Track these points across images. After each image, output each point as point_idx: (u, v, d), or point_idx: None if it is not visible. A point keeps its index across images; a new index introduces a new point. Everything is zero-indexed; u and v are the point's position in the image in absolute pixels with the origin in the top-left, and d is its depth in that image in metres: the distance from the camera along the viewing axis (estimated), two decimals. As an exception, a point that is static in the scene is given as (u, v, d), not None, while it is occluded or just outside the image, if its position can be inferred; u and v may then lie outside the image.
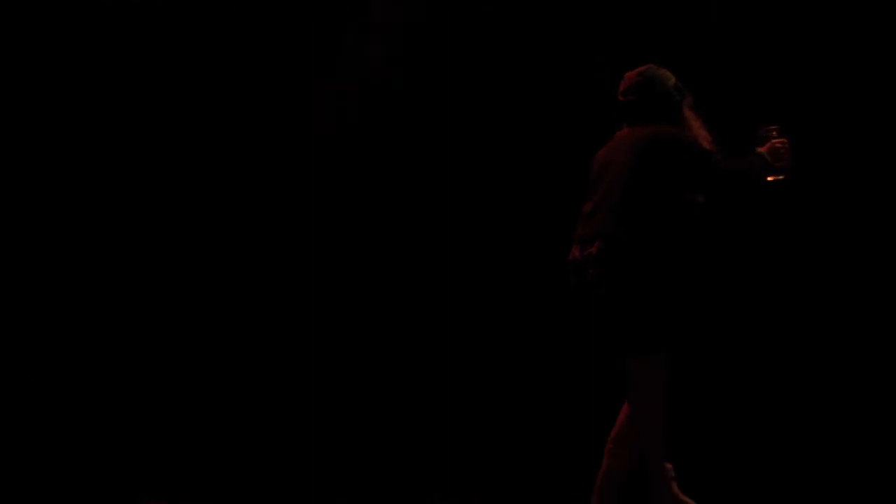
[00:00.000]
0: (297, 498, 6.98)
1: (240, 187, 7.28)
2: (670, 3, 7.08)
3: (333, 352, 7.20)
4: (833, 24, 6.92)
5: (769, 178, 5.06)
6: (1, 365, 7.06)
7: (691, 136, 5.04)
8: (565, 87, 7.15)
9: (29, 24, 7.17)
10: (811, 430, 6.83)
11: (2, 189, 7.13)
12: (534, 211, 7.14)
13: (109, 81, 7.21)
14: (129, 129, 7.24)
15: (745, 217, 5.03)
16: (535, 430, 7.08)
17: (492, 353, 7.17)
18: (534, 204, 7.15)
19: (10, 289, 7.11)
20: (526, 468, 7.03)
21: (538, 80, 7.21)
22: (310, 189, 7.32)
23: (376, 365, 7.20)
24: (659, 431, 4.96)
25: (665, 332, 4.94)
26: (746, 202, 5.03)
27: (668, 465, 5.05)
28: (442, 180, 7.28)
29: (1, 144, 7.14)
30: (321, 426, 7.15)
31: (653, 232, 4.92)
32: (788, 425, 6.87)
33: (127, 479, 7.01)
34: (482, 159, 7.27)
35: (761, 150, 5.06)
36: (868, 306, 6.85)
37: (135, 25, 7.22)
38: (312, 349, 7.20)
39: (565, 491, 6.67)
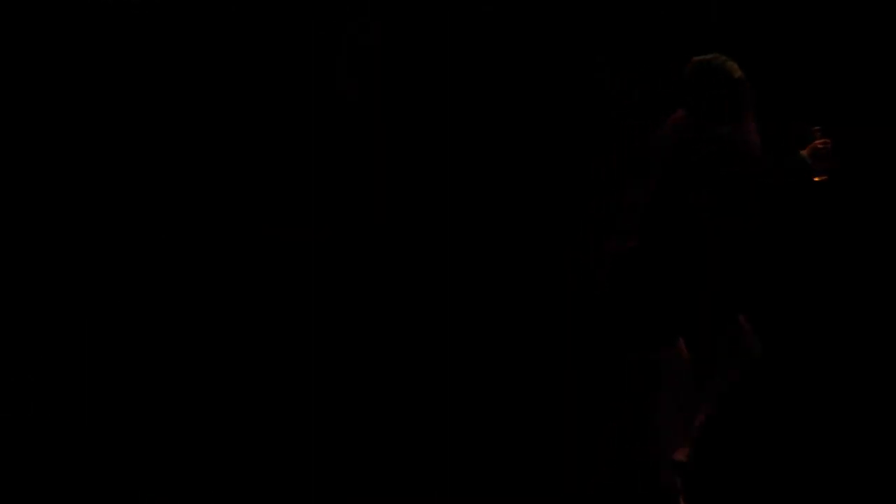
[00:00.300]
0: (297, 498, 6.98)
1: (239, 187, 7.27)
2: (670, 3, 7.08)
3: (333, 352, 7.20)
4: (833, 23, 6.92)
5: (815, 179, 5.06)
6: (1, 365, 7.06)
7: (744, 136, 5.00)
8: (565, 87, 7.15)
9: (29, 24, 7.16)
10: (818, 433, 6.83)
11: (2, 189, 7.13)
12: (533, 210, 7.14)
13: (109, 81, 7.21)
14: (128, 128, 7.23)
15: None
16: (535, 430, 7.08)
17: (491, 352, 7.17)
18: (533, 203, 7.15)
19: (10, 289, 7.10)
20: (526, 468, 7.02)
21: (538, 80, 7.21)
22: (310, 189, 7.32)
23: (376, 365, 7.20)
24: (668, 429, 4.97)
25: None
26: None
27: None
28: (442, 179, 7.28)
29: (1, 144, 7.14)
30: (321, 426, 7.14)
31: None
32: (793, 427, 6.87)
33: (127, 479, 7.00)
34: (482, 159, 7.26)
35: (804, 152, 5.04)
36: (875, 305, 6.86)
37: (135, 25, 7.21)
38: (312, 349, 7.19)
39: (565, 491, 6.67)
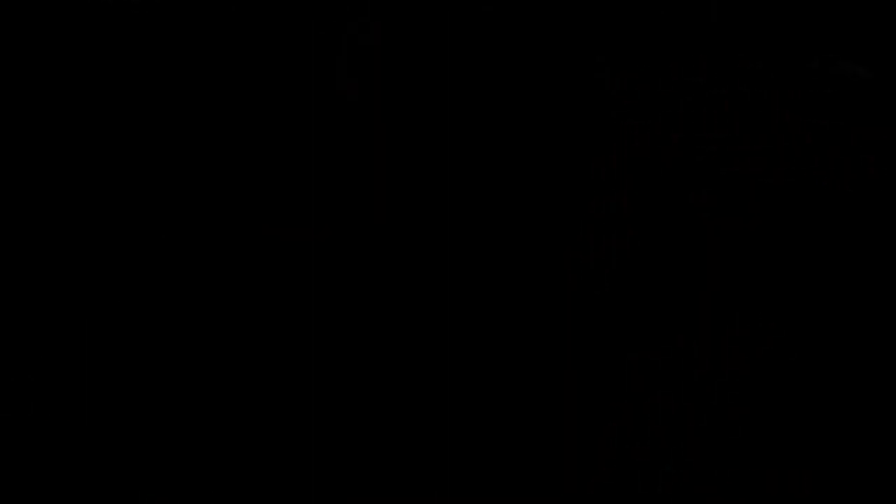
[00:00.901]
0: (297, 498, 6.98)
1: (239, 187, 7.28)
2: (670, 3, 7.09)
3: (333, 352, 7.21)
4: (832, 23, 6.92)
5: None
6: (1, 365, 7.07)
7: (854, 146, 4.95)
8: (565, 87, 7.16)
9: (28, 24, 7.17)
10: (817, 434, 6.83)
11: (1, 189, 7.14)
12: (533, 211, 7.15)
13: (107, 81, 7.22)
14: (127, 128, 7.24)
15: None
16: (535, 430, 7.09)
17: (491, 352, 7.18)
18: (533, 204, 7.16)
19: (10, 289, 7.11)
20: (526, 468, 7.03)
21: (538, 80, 7.22)
22: (310, 189, 7.32)
23: (376, 365, 7.20)
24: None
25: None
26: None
27: None
28: (442, 180, 7.29)
29: (0, 145, 7.15)
30: (321, 426, 7.15)
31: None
32: (792, 428, 6.87)
33: (127, 479, 7.01)
34: (482, 158, 7.28)
35: None
36: (878, 306, 6.86)
37: (134, 25, 7.22)
38: (312, 350, 7.20)
39: (565, 491, 6.68)
